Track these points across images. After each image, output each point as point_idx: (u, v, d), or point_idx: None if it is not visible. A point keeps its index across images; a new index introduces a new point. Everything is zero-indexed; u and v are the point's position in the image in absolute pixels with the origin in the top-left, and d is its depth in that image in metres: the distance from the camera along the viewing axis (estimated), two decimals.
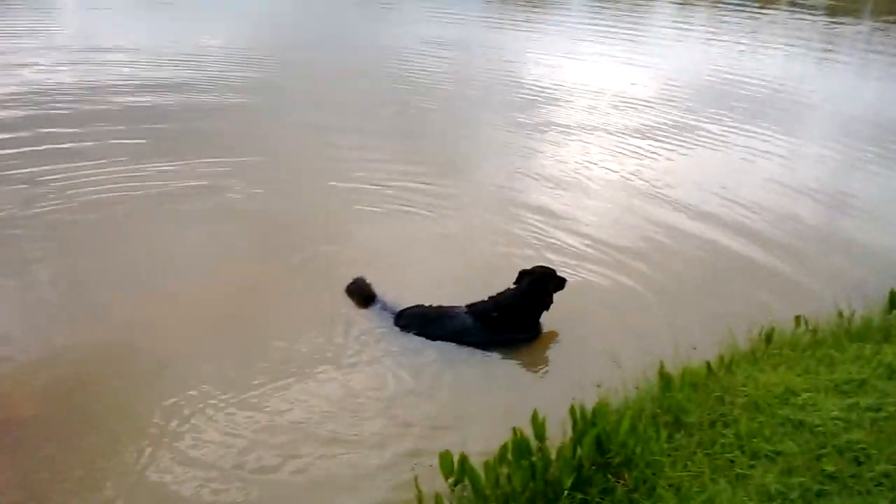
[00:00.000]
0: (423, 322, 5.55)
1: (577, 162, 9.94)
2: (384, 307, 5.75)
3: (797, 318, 5.30)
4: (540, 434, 3.86)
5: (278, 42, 17.51)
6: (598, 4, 28.61)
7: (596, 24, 23.20)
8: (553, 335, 5.77)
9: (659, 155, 10.51)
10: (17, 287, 6.02)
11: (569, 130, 11.54)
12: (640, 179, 9.39)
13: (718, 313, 5.99)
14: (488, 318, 5.52)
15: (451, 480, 3.74)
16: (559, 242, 7.27)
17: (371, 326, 5.62)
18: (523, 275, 5.72)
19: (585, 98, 13.81)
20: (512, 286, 5.72)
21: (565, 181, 9.15)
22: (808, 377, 4.51)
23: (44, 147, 8.94)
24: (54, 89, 11.70)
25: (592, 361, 5.32)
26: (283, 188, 8.27)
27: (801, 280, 6.87)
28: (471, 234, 7.44)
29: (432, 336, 5.50)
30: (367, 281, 5.93)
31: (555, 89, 14.27)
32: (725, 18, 27.12)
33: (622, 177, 9.49)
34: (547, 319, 5.78)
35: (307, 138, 10.35)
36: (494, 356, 5.43)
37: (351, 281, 5.92)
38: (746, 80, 15.84)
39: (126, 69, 13.47)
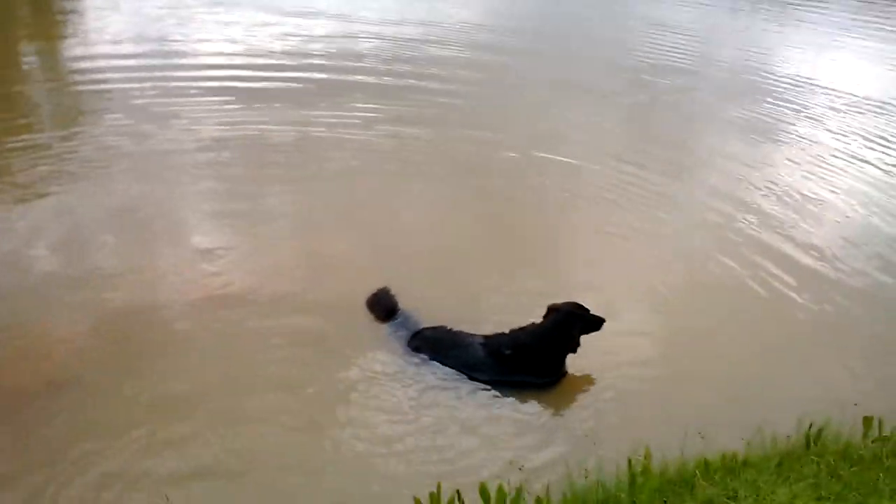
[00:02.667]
0: (434, 347, 5.14)
1: (813, 172, 9.03)
2: (404, 324, 5.39)
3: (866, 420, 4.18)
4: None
5: (506, 21, 16.96)
6: None
7: (863, 18, 20.19)
8: (581, 383, 5.07)
9: None
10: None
11: (810, 133, 10.53)
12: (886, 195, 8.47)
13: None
14: (501, 355, 4.97)
15: None
16: (770, 259, 6.76)
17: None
18: (550, 311, 5.05)
19: (837, 98, 12.29)
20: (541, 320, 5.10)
21: (795, 191, 8.38)
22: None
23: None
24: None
25: (601, 428, 4.59)
26: (498, 156, 8.74)
27: None
28: (680, 237, 7.19)
29: (442, 362, 5.07)
30: (392, 293, 5.59)
31: (802, 87, 12.93)
32: None
33: (865, 193, 8.55)
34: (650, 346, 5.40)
35: (529, 115, 10.47)
36: (494, 398, 4.86)
37: (374, 292, 5.60)
38: None
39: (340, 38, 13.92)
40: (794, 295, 6.27)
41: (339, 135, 8.92)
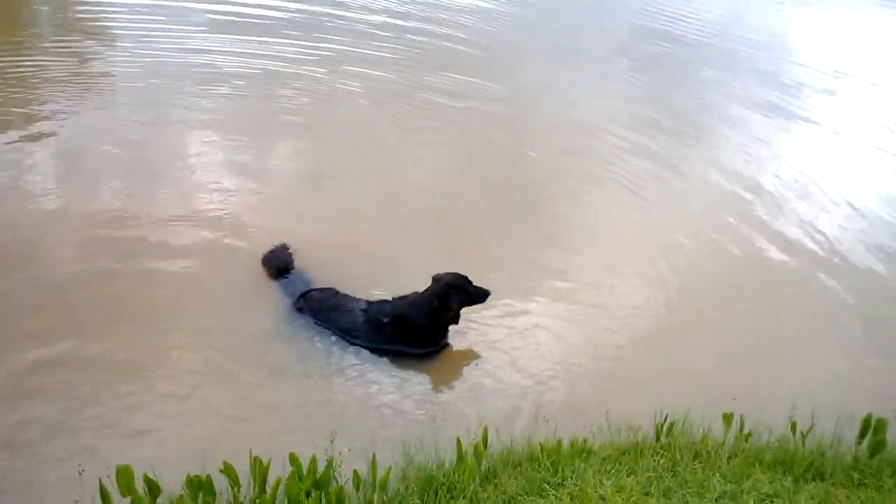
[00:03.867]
0: (317, 309, 5.04)
1: (824, 157, 9.06)
2: (294, 283, 5.27)
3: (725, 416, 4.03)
4: (234, 479, 3.33)
5: None
6: None
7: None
8: (460, 358, 4.94)
9: None
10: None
11: (827, 117, 10.47)
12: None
13: None
14: (378, 322, 4.85)
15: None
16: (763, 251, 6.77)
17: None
18: (434, 280, 4.92)
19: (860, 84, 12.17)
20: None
21: (798, 172, 8.43)
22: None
23: None
24: None
25: (450, 404, 4.50)
26: (499, 120, 8.67)
27: None
28: (681, 222, 7.03)
29: (324, 325, 4.96)
30: (289, 250, 5.47)
31: (818, 70, 12.73)
32: None
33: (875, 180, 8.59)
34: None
35: (554, 80, 10.38)
36: (357, 367, 4.75)
37: (271, 248, 5.48)
38: None
39: None
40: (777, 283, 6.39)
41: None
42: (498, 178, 7.40)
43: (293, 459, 3.38)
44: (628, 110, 9.58)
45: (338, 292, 5.12)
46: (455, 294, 4.82)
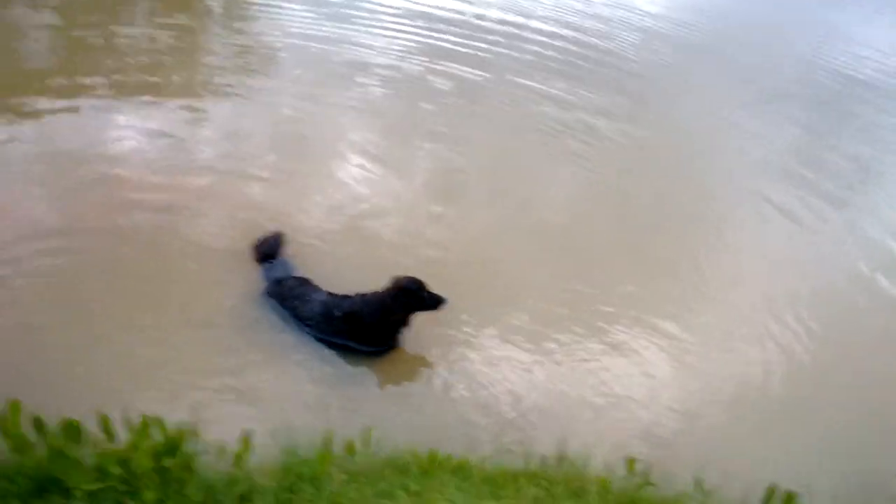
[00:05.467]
0: (283, 295, 5.20)
1: None
2: (274, 269, 5.45)
3: None
4: (108, 431, 3.54)
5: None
6: None
7: None
8: (405, 363, 4.95)
9: None
10: None
11: None
12: None
13: None
14: (331, 315, 4.95)
15: None
16: None
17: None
18: (391, 281, 4.95)
19: None
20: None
21: None
22: None
23: None
24: None
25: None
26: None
27: None
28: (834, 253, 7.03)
29: (288, 312, 5.12)
30: (279, 239, 5.66)
31: None
32: None
33: None
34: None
35: (709, 113, 9.87)
36: (313, 355, 4.90)
37: (263, 236, 5.68)
38: None
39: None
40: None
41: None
42: (629, 210, 7.20)
43: (157, 422, 3.53)
44: (783, 157, 8.90)
45: (308, 282, 5.26)
46: (404, 297, 4.84)
